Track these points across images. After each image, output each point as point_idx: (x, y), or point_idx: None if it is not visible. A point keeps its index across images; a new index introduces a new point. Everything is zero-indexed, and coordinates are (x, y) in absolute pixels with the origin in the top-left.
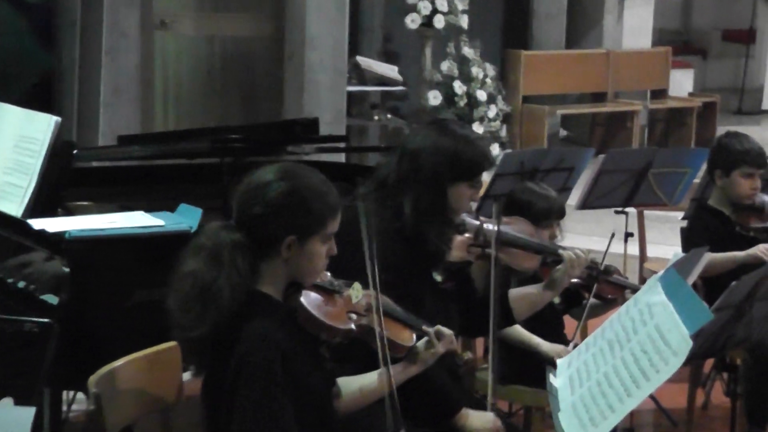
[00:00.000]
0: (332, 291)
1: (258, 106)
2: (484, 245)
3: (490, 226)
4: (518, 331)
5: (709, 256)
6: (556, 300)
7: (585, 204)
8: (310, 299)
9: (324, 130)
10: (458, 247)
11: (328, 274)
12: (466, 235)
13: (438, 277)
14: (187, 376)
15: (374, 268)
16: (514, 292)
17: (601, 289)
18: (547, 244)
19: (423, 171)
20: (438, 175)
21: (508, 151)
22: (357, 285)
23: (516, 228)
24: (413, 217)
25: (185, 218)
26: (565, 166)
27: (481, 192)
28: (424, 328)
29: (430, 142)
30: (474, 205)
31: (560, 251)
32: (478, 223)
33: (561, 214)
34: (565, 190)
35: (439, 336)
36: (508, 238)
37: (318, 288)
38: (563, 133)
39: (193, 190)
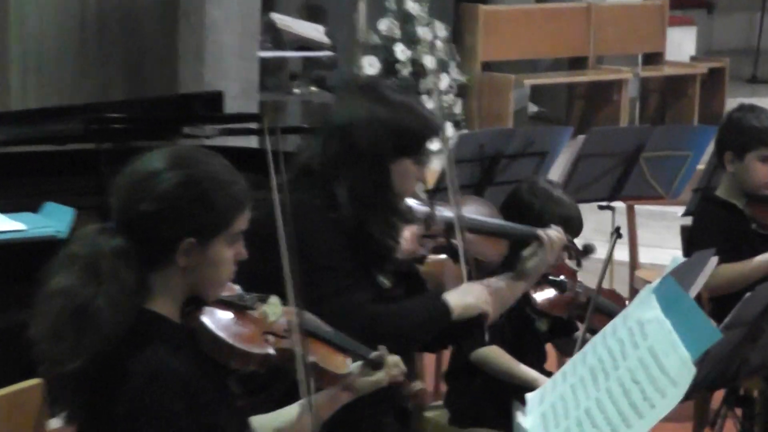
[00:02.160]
0: (243, 307)
1: (145, 76)
2: (440, 234)
3: (445, 212)
4: (497, 355)
5: (721, 267)
6: (542, 326)
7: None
8: (215, 318)
9: (230, 107)
10: (407, 240)
11: (237, 286)
12: (415, 225)
13: (386, 282)
14: (55, 423)
15: (295, 277)
16: None
17: (599, 320)
18: (516, 226)
19: (358, 149)
20: (377, 152)
21: (465, 132)
22: (274, 299)
23: (473, 209)
24: (351, 207)
25: (52, 220)
26: (536, 150)
27: (431, 181)
28: (362, 352)
29: (363, 113)
30: (421, 187)
31: (537, 231)
32: (427, 208)
33: (578, 228)
34: None
35: (382, 362)
36: (468, 224)
37: (225, 304)
38: (533, 108)
39: (63, 184)
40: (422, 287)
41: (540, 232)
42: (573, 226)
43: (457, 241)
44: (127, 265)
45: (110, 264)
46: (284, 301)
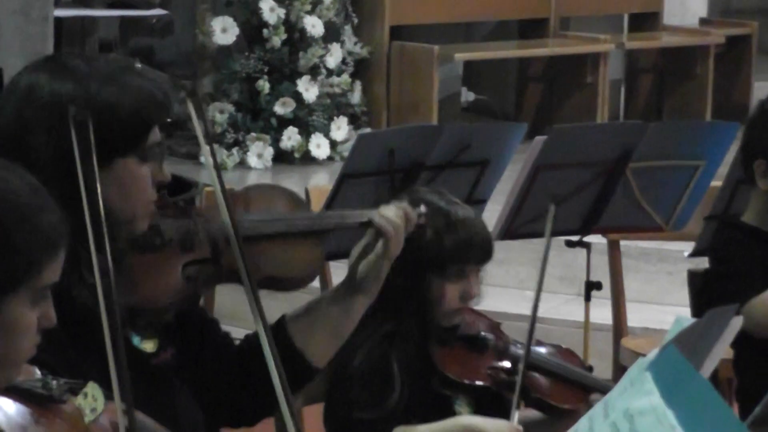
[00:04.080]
0: (47, 399)
1: None
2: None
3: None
4: None
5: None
6: (463, 406)
7: (509, 229)
8: (6, 415)
9: None
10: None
11: (36, 369)
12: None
13: (146, 345)
14: None
15: (119, 349)
16: (298, 315)
17: (538, 389)
18: (326, 216)
19: (54, 152)
20: (65, 155)
21: (366, 130)
22: (93, 389)
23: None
24: None
25: None
26: (473, 157)
27: (319, 201)
28: None
29: (62, 96)
30: (154, 195)
31: (365, 216)
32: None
33: (485, 252)
34: (474, 203)
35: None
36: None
37: (21, 393)
38: (469, 96)
39: None
40: (212, 326)
41: (371, 214)
42: (476, 249)
43: None
44: None
45: None
46: (107, 390)
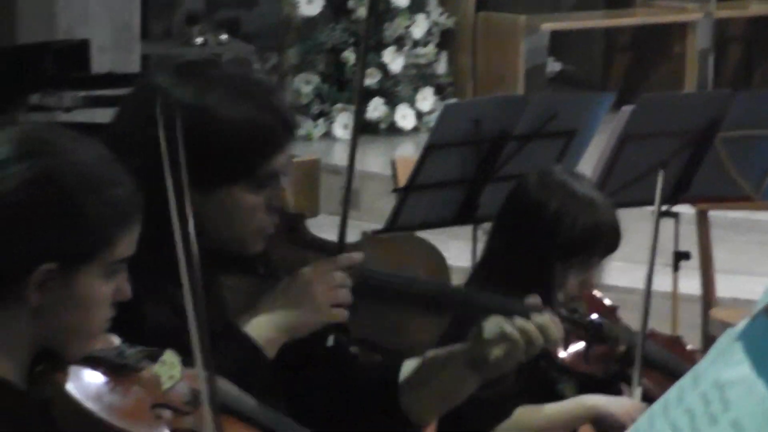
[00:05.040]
0: (124, 368)
1: None
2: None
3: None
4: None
5: None
6: (568, 389)
7: None
8: (81, 384)
9: (98, 64)
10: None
11: (115, 337)
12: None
13: None
14: None
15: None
16: (410, 381)
17: (652, 378)
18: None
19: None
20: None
21: (452, 101)
22: (170, 356)
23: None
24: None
25: None
26: (560, 127)
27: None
28: None
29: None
30: (266, 221)
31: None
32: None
33: (613, 245)
34: None
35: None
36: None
37: (96, 363)
38: (555, 66)
39: None
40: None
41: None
42: (605, 241)
43: None
44: None
45: None
46: (185, 358)
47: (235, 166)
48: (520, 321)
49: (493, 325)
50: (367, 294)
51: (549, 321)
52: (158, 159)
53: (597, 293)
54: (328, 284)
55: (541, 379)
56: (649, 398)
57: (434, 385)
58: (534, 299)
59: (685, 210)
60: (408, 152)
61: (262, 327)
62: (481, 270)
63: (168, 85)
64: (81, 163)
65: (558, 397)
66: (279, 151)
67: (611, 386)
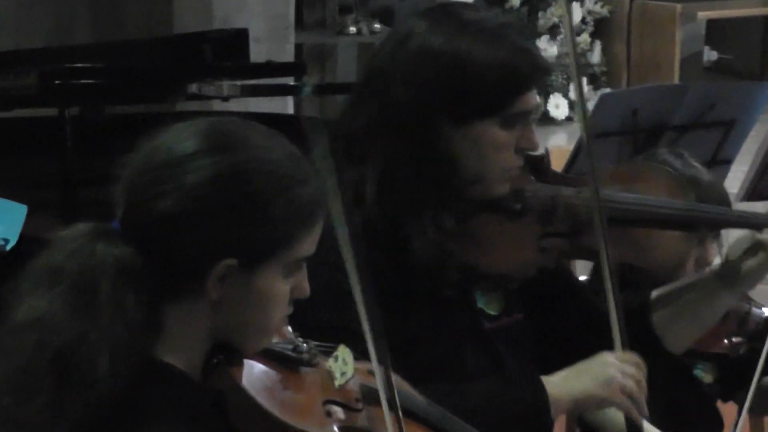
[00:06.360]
0: (298, 362)
1: (124, 8)
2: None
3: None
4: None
5: None
6: (707, 374)
7: (755, 191)
8: (255, 378)
9: (254, 54)
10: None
11: (290, 329)
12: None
13: (490, 308)
14: None
15: (374, 316)
16: (660, 299)
17: None
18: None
19: (398, 107)
20: (431, 111)
21: (607, 90)
22: (344, 352)
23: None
24: (380, 202)
25: None
26: (718, 117)
27: (556, 162)
28: None
29: (432, 48)
30: (516, 161)
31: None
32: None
33: None
34: (718, 163)
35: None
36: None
37: (271, 357)
38: (712, 55)
39: (8, 168)
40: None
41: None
42: None
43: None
44: (135, 289)
45: (113, 286)
46: (358, 354)
47: (488, 102)
48: None
49: (743, 237)
50: (620, 222)
51: None
52: (414, 106)
53: None
54: (623, 371)
55: (674, 365)
56: None
57: (685, 304)
58: None
59: None
60: (561, 142)
61: (554, 385)
62: None
63: (423, 29)
64: (270, 161)
65: (695, 385)
66: (529, 89)
67: (745, 364)
